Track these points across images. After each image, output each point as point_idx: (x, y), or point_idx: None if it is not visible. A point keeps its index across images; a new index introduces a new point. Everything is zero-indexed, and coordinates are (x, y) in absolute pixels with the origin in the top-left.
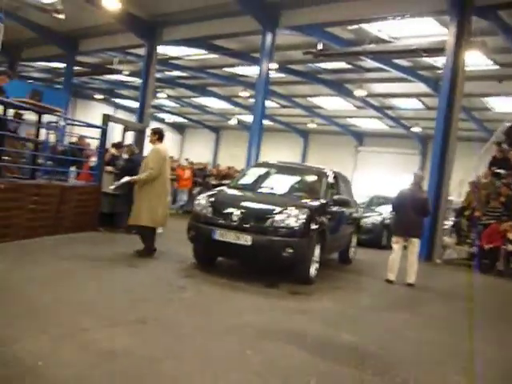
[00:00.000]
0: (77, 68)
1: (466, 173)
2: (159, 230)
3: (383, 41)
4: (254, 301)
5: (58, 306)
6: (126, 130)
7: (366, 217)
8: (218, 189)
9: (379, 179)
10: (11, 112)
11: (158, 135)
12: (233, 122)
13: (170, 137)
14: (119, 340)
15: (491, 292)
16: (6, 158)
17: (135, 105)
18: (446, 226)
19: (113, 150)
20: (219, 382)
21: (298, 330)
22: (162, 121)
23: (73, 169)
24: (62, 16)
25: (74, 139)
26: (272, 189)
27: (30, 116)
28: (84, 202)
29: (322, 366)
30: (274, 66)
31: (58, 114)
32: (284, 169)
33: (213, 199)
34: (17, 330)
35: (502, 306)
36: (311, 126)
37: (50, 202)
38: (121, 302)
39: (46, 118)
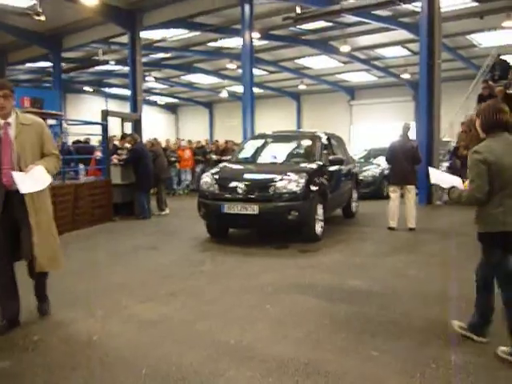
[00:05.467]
0: (64, 64)
1: (456, 113)
2: (166, 211)
3: None
4: (267, 262)
5: (97, 291)
6: (123, 121)
7: (365, 170)
8: (221, 165)
9: (377, 130)
10: None
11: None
12: (223, 94)
13: (164, 117)
14: (155, 311)
15: None
16: None
17: (125, 92)
18: (443, 169)
19: (116, 142)
20: (246, 333)
21: (309, 282)
22: (154, 103)
23: (81, 166)
24: (42, 18)
25: (80, 138)
26: (271, 158)
27: None
28: (97, 195)
29: (332, 309)
30: (256, 35)
31: (59, 117)
32: (279, 138)
33: (217, 176)
34: (68, 315)
35: None
36: (302, 87)
37: (66, 200)
38: (150, 281)
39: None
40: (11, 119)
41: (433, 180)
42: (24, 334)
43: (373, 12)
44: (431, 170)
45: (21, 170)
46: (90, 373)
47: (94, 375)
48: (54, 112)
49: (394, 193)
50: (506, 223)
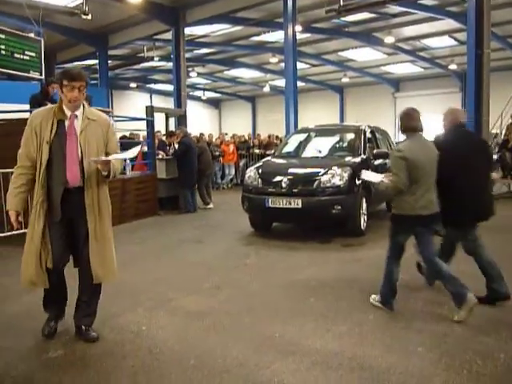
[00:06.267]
0: (110, 62)
1: (507, 105)
2: (210, 205)
3: None
4: (311, 256)
5: (144, 284)
6: (167, 116)
7: None
8: (264, 159)
9: (423, 122)
10: None
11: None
12: (266, 89)
13: (207, 112)
14: (201, 303)
15: None
16: None
17: (169, 88)
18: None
19: (164, 138)
20: (291, 326)
21: (354, 277)
22: (197, 99)
23: (128, 161)
24: (89, 17)
25: (126, 134)
26: (314, 152)
27: None
28: (143, 190)
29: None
30: (299, 28)
31: (108, 113)
32: (322, 131)
33: (261, 170)
34: (117, 306)
35: None
36: (345, 80)
37: (113, 195)
38: (195, 273)
39: None
40: (79, 112)
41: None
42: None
43: (418, 1)
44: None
45: (83, 168)
46: (139, 362)
47: (143, 364)
48: (103, 109)
49: None
50: (416, 208)
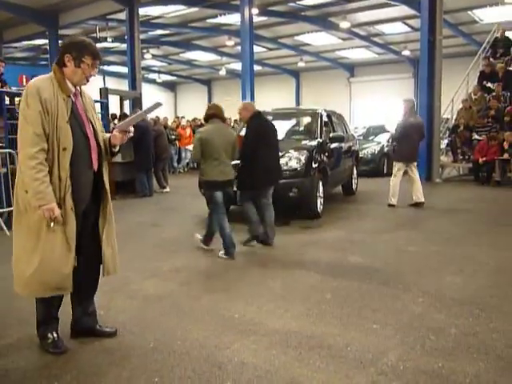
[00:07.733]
0: (61, 42)
1: (457, 90)
2: (167, 189)
3: None
4: None
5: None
6: (122, 99)
7: (365, 148)
8: None
9: (376, 107)
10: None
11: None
12: (222, 72)
13: (162, 95)
14: (160, 286)
15: (488, 202)
16: None
17: (123, 70)
18: (442, 146)
19: (116, 122)
20: (250, 307)
21: (311, 258)
22: (152, 81)
23: None
24: None
25: None
26: None
27: None
28: None
29: (334, 284)
30: (255, 11)
31: None
32: (280, 115)
33: None
34: None
35: (497, 213)
36: (301, 64)
37: None
38: (153, 257)
39: None
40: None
41: None
42: (31, 311)
43: None
44: None
45: (100, 149)
46: (99, 345)
47: (103, 348)
48: None
49: (400, 170)
50: (212, 175)
